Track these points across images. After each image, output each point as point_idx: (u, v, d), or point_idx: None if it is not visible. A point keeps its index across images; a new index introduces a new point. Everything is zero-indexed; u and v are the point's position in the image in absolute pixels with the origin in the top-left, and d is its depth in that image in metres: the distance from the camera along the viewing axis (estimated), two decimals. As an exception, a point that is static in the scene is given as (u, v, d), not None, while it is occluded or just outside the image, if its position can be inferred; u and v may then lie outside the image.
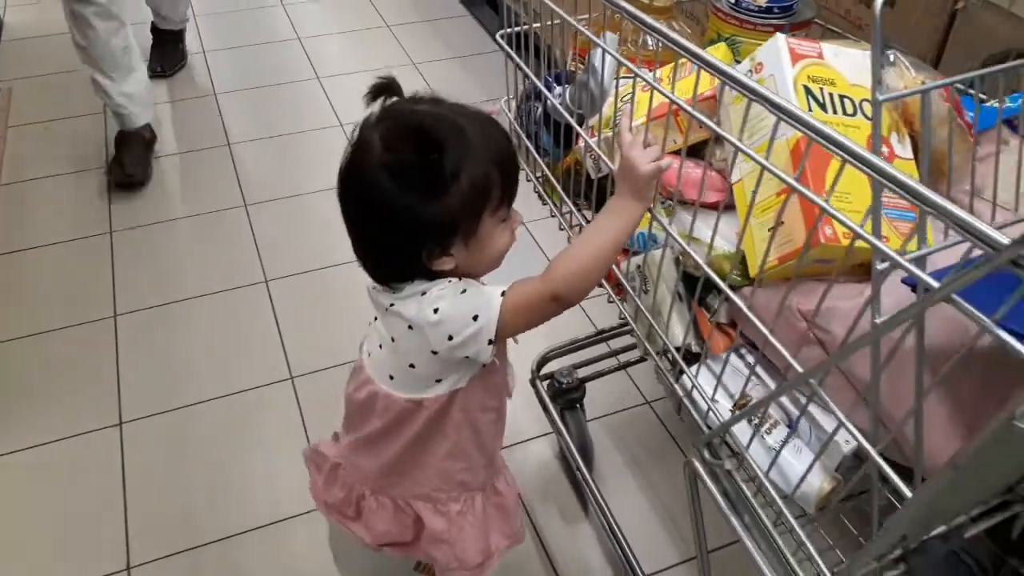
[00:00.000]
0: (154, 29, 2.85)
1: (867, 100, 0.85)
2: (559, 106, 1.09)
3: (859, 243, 0.62)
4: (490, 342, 0.82)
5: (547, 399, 1.57)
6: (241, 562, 1.44)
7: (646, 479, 1.59)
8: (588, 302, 1.81)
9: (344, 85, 2.85)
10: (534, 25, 1.18)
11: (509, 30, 1.22)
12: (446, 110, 0.83)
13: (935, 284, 0.53)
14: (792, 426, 0.87)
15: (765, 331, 0.77)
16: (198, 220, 2.27)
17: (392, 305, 0.86)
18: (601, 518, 1.45)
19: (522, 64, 1.17)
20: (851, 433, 0.70)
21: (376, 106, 0.84)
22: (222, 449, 1.64)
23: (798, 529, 0.77)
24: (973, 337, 0.53)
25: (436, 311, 0.82)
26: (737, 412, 0.86)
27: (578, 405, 1.58)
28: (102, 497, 1.54)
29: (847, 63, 0.87)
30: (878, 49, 0.60)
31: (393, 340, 0.88)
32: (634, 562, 1.36)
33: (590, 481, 1.46)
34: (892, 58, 0.87)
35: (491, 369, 0.92)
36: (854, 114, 0.84)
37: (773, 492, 0.79)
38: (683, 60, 0.87)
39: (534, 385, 1.60)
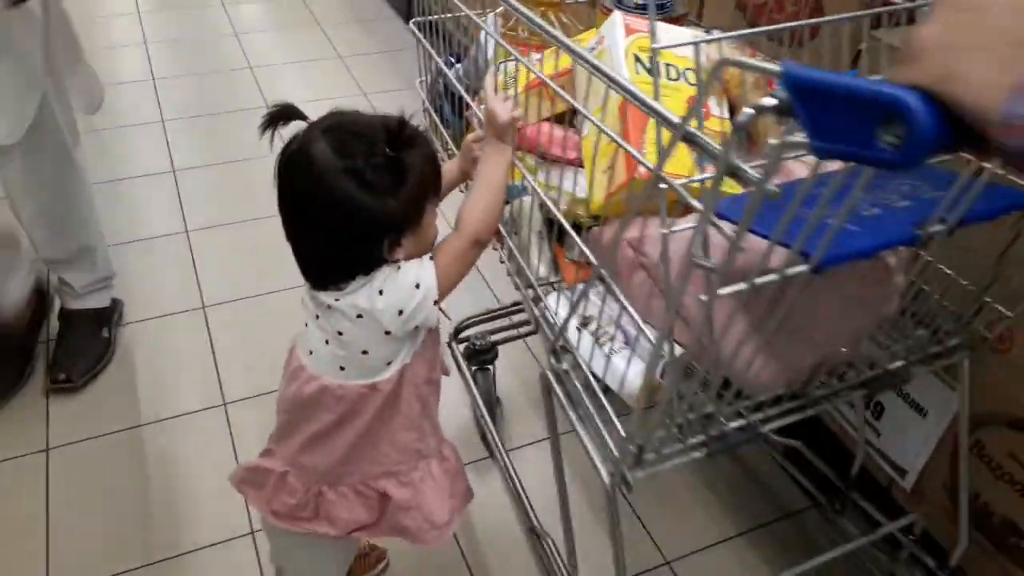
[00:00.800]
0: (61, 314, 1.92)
1: (690, 69, 1.02)
2: (454, 79, 1.27)
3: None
4: (435, 303, 0.94)
5: (461, 359, 1.73)
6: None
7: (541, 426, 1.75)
8: (497, 280, 1.95)
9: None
10: (443, 16, 1.36)
11: (420, 18, 1.39)
12: (369, 118, 0.93)
13: (699, 206, 0.69)
14: (627, 343, 1.04)
15: (587, 251, 0.93)
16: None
17: (337, 300, 0.94)
18: (503, 459, 1.60)
19: (427, 45, 1.35)
20: (646, 337, 0.87)
21: (280, 131, 0.94)
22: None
23: (613, 416, 0.93)
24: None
25: (381, 292, 0.92)
26: (579, 327, 1.02)
27: (489, 367, 1.73)
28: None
29: (673, 37, 1.04)
30: (652, 11, 0.77)
31: (341, 334, 0.96)
32: (524, 497, 1.52)
33: (491, 428, 1.62)
34: (715, 34, 1.05)
35: (430, 343, 1.02)
36: (677, 79, 1.02)
37: (593, 381, 0.95)
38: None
39: (451, 347, 1.76)
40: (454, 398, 1.77)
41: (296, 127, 0.94)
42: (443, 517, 1.09)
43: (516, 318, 1.81)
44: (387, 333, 0.95)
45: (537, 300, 1.11)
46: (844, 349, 1.00)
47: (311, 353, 1.01)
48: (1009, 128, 0.41)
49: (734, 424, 0.99)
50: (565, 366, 1.01)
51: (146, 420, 1.75)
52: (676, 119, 0.68)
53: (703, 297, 0.74)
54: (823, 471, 1.54)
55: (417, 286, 0.93)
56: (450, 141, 1.39)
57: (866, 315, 0.98)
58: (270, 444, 1.11)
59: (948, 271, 1.05)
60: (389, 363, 0.99)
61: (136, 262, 2.18)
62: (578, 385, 1.00)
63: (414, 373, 1.01)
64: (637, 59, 1.01)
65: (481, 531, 1.55)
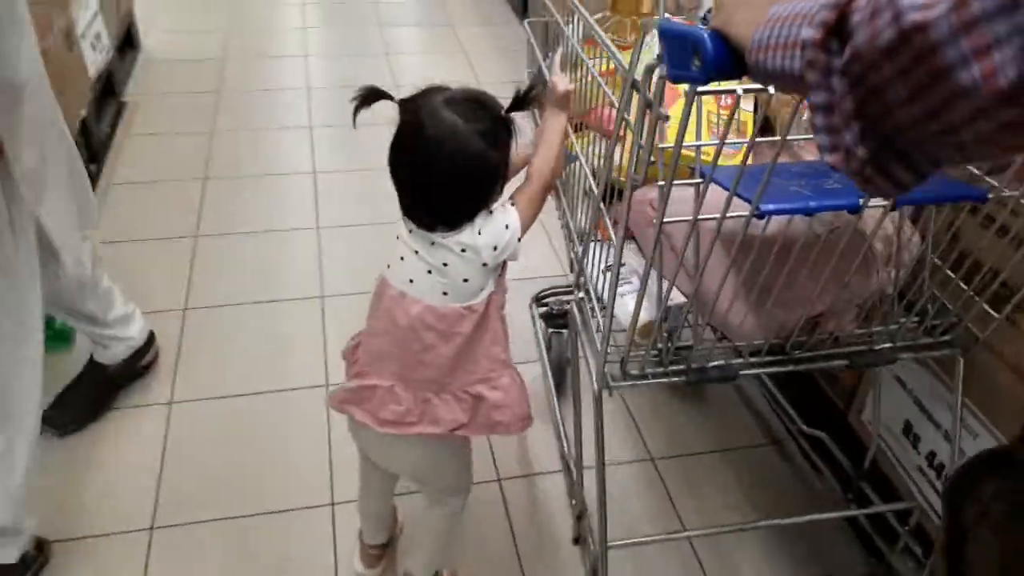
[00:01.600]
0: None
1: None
2: (545, 68, 1.53)
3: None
4: (518, 239, 1.16)
5: (539, 320, 1.98)
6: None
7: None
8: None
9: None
10: (549, 19, 1.63)
11: (534, 19, 1.67)
12: (470, 89, 1.14)
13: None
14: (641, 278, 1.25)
15: (603, 210, 1.16)
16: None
17: (444, 238, 1.13)
18: (556, 415, 1.84)
19: (533, 41, 1.62)
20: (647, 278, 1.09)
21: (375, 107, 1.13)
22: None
23: (608, 335, 1.15)
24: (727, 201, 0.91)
25: (480, 232, 1.13)
26: (604, 269, 1.25)
27: (563, 331, 1.97)
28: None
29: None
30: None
31: (446, 265, 1.14)
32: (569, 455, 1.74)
33: (553, 393, 1.87)
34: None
35: (502, 274, 1.21)
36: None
37: (598, 311, 1.18)
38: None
39: (531, 308, 2.01)
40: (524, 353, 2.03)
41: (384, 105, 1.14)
42: (527, 411, 1.27)
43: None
44: (484, 265, 1.14)
45: (576, 245, 1.34)
46: (822, 312, 1.16)
47: (411, 282, 1.17)
48: (754, 51, 0.62)
49: (714, 363, 1.18)
50: (581, 294, 1.24)
51: (256, 390, 1.96)
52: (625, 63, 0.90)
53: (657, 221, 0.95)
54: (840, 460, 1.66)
55: (507, 226, 1.14)
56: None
57: (843, 287, 1.14)
58: (362, 367, 1.27)
59: (938, 261, 1.19)
60: (482, 289, 1.17)
61: (270, 249, 2.50)
62: (590, 310, 1.22)
63: (497, 297, 1.20)
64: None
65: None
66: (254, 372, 2.01)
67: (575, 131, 1.48)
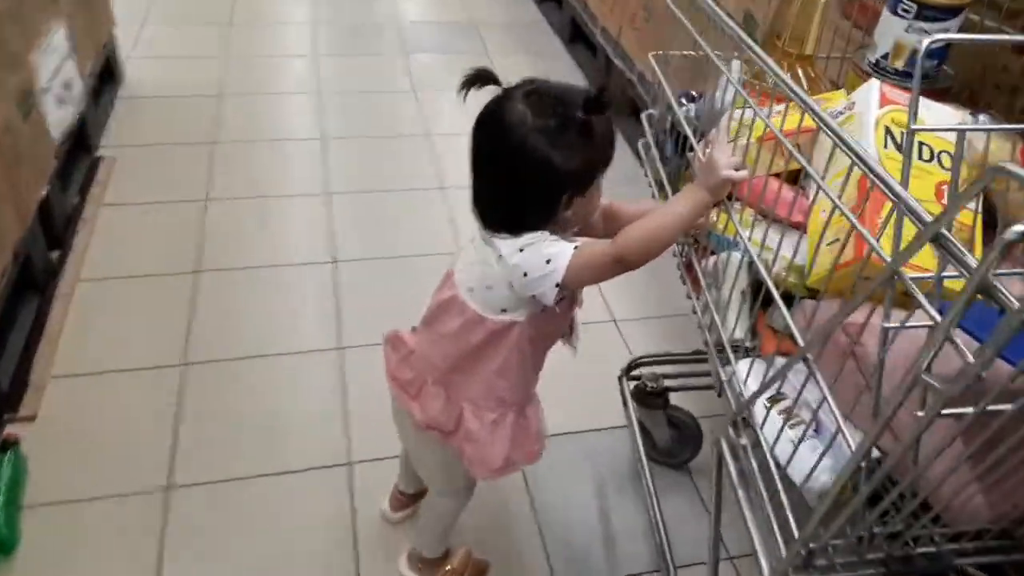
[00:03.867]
0: None
1: (946, 152, 0.93)
2: (683, 119, 1.23)
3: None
4: (556, 285, 0.99)
5: (628, 396, 1.69)
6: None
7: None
8: (689, 319, 1.91)
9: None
10: (684, 52, 1.33)
11: (660, 52, 1.37)
12: (567, 86, 1.03)
13: (937, 317, 0.62)
14: (818, 430, 0.96)
15: (795, 330, 0.87)
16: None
17: (491, 237, 1.06)
18: (653, 512, 1.55)
19: (663, 79, 1.32)
20: (844, 437, 0.80)
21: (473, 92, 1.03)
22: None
23: (786, 505, 0.86)
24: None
25: (521, 250, 1.01)
26: (768, 403, 0.96)
27: (659, 411, 1.68)
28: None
29: (935, 115, 0.95)
30: (917, 86, 0.70)
31: (484, 263, 1.07)
32: (669, 556, 1.45)
33: (647, 474, 1.56)
34: (981, 119, 0.95)
35: (549, 318, 1.09)
36: (930, 160, 0.93)
37: (774, 468, 0.89)
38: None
39: (620, 382, 1.72)
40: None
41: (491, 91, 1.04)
42: (495, 463, 1.18)
43: (697, 367, 1.74)
44: (510, 284, 1.04)
45: (726, 362, 1.05)
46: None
47: (461, 269, 1.13)
48: None
49: (922, 549, 0.89)
50: (744, 441, 0.95)
51: (275, 351, 1.94)
52: (927, 216, 0.61)
53: (919, 413, 0.66)
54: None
55: (548, 262, 1.00)
56: (665, 178, 1.36)
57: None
58: (419, 324, 1.24)
59: None
60: (504, 310, 1.08)
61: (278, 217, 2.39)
62: (754, 464, 0.93)
63: (522, 332, 1.10)
64: (888, 132, 0.94)
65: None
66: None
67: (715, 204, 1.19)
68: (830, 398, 0.84)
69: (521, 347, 1.11)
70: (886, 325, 0.75)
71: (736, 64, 1.14)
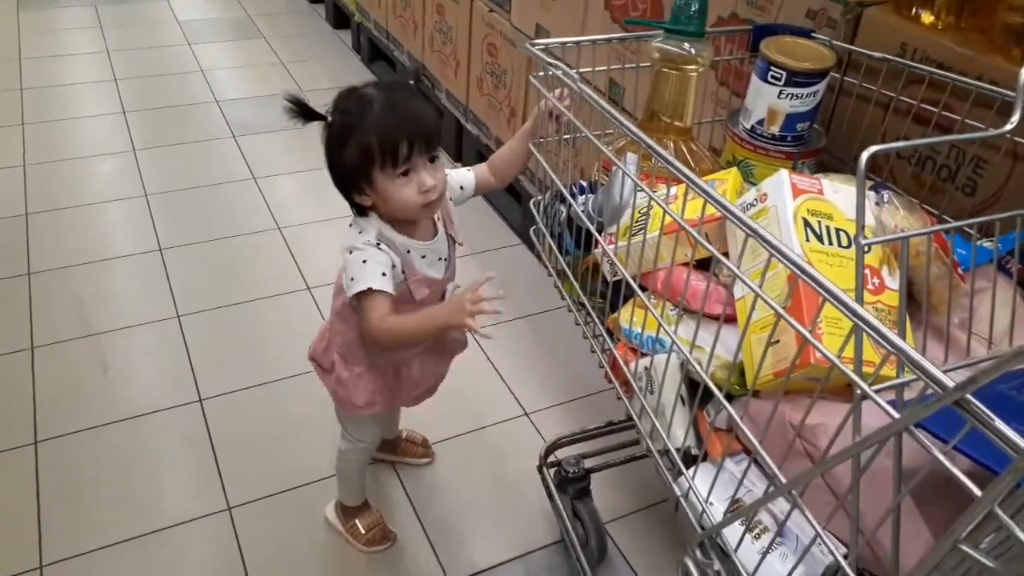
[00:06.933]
0: None
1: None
2: (581, 213, 1.19)
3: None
4: (351, 278, 1.17)
5: (553, 487, 1.62)
6: None
7: (645, 572, 1.62)
8: (603, 395, 1.86)
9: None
10: (564, 137, 1.29)
11: (542, 139, 1.32)
12: (372, 87, 1.16)
13: (895, 415, 0.59)
14: (780, 534, 0.92)
15: (755, 440, 0.83)
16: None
17: (351, 225, 1.23)
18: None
19: (551, 171, 1.27)
20: (825, 544, 0.76)
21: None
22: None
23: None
24: (929, 462, 0.59)
25: (350, 252, 1.18)
26: (729, 515, 0.91)
27: (588, 496, 1.62)
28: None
29: (844, 199, 0.95)
30: (863, 199, 0.68)
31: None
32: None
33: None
34: (886, 197, 0.95)
35: (402, 304, 1.21)
36: (848, 246, 0.92)
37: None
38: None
39: (541, 472, 1.65)
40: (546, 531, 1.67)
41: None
42: (359, 404, 1.36)
43: (615, 439, 1.69)
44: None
45: (676, 471, 1.00)
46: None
47: None
48: None
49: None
50: (717, 567, 0.89)
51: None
52: (948, 381, 0.55)
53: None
54: None
55: (352, 279, 1.16)
56: (566, 268, 1.31)
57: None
58: None
59: None
60: (337, 294, 1.33)
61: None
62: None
63: (347, 315, 1.29)
64: (806, 224, 0.92)
65: None
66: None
67: (623, 301, 1.15)
68: (804, 508, 0.79)
69: (344, 343, 1.29)
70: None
71: (631, 157, 1.11)
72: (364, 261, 1.16)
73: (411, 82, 1.27)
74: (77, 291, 2.28)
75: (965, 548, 0.55)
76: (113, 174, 2.88)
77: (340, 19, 4.23)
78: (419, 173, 1.15)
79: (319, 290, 2.34)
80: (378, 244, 1.18)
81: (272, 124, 3.15)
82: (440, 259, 1.28)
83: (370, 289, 1.14)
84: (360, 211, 1.22)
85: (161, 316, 2.21)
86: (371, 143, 1.11)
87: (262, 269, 2.44)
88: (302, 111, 1.17)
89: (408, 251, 1.22)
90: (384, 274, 1.16)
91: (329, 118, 1.16)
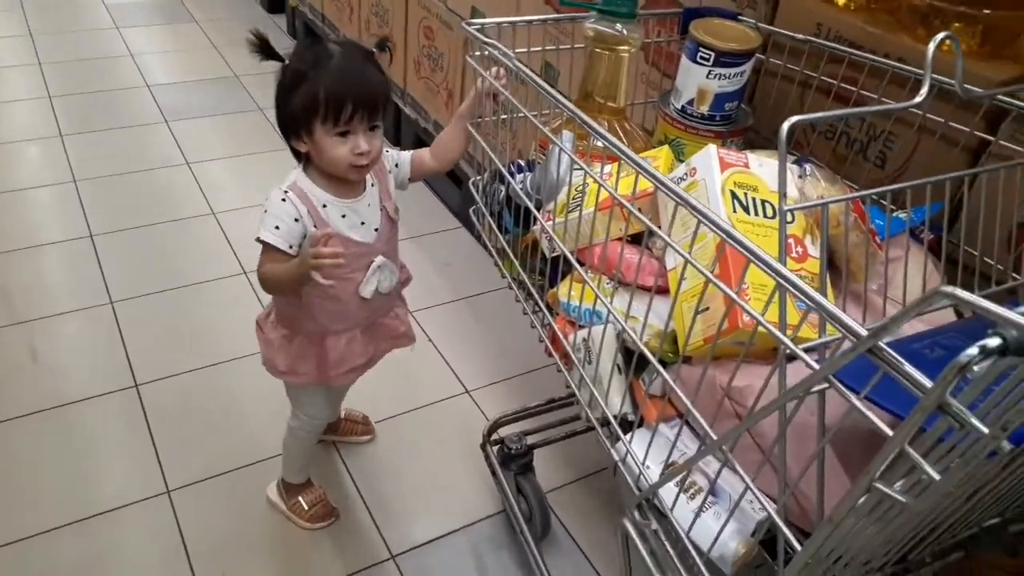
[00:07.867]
0: None
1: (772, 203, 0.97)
2: (520, 191, 1.21)
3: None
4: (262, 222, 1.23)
5: (496, 464, 1.64)
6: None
7: (587, 544, 1.66)
8: (542, 372, 1.89)
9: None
10: (502, 116, 1.31)
11: (480, 119, 1.34)
12: (335, 43, 1.20)
13: (816, 366, 0.63)
14: (713, 492, 0.96)
15: (687, 402, 0.86)
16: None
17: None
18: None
19: (490, 151, 1.29)
20: (756, 497, 0.80)
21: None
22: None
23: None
24: (845, 412, 0.63)
25: (267, 199, 1.24)
26: (664, 475, 0.95)
27: (532, 472, 1.65)
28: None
29: (769, 172, 0.99)
30: (783, 164, 0.72)
31: None
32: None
33: (536, 554, 1.52)
34: (808, 170, 1.00)
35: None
36: (773, 216, 0.97)
37: (694, 553, 0.87)
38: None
39: (484, 450, 1.67)
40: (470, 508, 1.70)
41: None
42: (280, 368, 1.41)
43: (555, 416, 1.72)
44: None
45: (615, 438, 1.03)
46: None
47: None
48: None
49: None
50: (655, 526, 0.93)
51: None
52: (861, 330, 0.59)
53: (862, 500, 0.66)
54: None
55: (267, 198, 1.24)
56: (506, 246, 1.33)
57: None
58: None
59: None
60: None
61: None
62: (667, 546, 0.92)
63: None
64: (734, 196, 0.96)
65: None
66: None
67: (561, 277, 1.18)
68: (752, 486, 0.83)
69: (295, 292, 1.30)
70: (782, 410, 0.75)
71: (567, 134, 1.13)
72: (265, 211, 1.23)
73: (375, 49, 1.26)
74: (2, 279, 2.21)
75: (880, 486, 0.59)
76: (40, 160, 2.80)
77: (275, 3, 4.16)
78: (357, 136, 1.19)
79: (255, 275, 2.30)
80: (286, 193, 1.24)
81: (205, 109, 3.08)
82: (363, 223, 1.30)
83: (258, 239, 1.23)
84: (296, 155, 1.28)
85: (93, 303, 2.16)
86: (319, 95, 1.15)
87: (197, 254, 2.40)
88: (263, 49, 1.21)
89: (324, 205, 1.26)
90: (277, 227, 1.22)
91: (287, 61, 1.21)
